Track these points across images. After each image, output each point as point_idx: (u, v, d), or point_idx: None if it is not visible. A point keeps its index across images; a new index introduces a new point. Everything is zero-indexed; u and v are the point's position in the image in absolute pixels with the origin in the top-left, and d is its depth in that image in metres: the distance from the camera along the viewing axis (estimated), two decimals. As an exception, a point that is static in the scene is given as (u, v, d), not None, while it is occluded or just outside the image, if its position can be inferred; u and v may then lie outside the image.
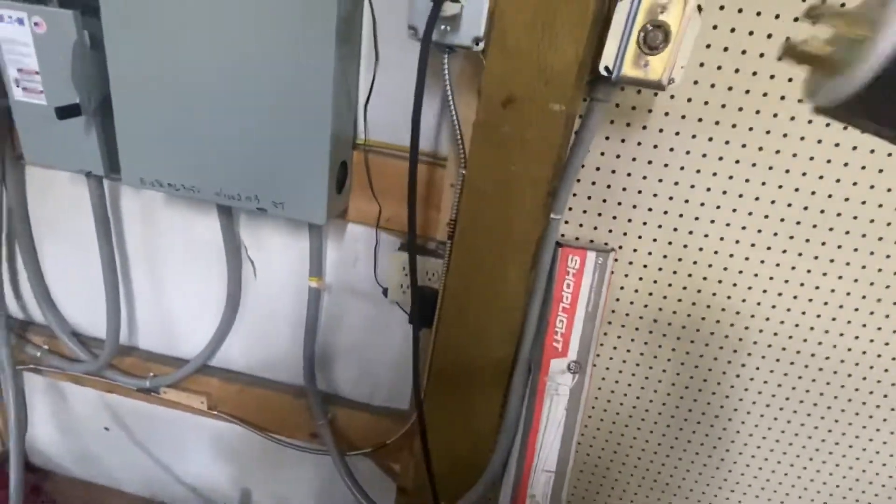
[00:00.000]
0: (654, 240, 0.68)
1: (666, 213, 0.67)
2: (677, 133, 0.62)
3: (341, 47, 0.59)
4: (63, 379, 1.03)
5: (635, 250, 0.69)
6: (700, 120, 0.61)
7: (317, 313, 0.83)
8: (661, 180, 0.65)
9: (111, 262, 0.84)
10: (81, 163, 0.71)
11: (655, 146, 0.63)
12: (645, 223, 0.68)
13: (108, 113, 0.66)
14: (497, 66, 0.53)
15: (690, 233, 0.67)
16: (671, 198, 0.66)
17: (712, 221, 0.66)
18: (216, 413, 0.98)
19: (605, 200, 0.67)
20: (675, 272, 0.70)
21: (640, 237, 0.69)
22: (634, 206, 0.67)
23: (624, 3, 0.48)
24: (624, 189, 0.66)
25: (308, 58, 0.58)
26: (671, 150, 0.63)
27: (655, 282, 0.71)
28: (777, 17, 0.55)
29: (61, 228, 0.89)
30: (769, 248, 0.66)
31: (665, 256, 0.69)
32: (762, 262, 0.67)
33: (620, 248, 0.69)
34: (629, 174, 0.65)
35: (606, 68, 0.51)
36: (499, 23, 0.51)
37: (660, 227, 0.68)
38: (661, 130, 0.62)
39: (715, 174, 0.63)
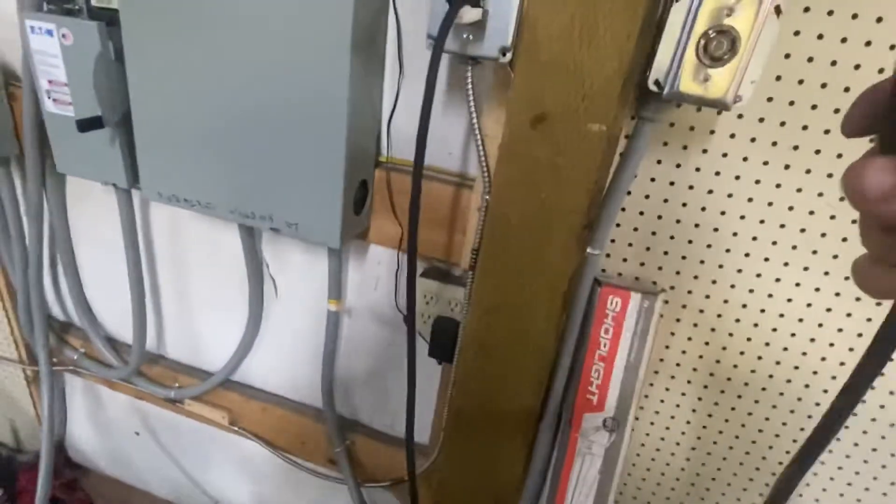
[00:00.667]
0: (714, 281, 0.58)
1: (728, 250, 0.57)
2: (745, 159, 0.52)
3: (359, 58, 0.54)
4: (98, 382, 1.06)
5: (690, 292, 0.60)
6: (774, 144, 0.51)
7: (335, 337, 0.79)
8: (723, 213, 0.55)
9: (138, 271, 0.84)
10: (107, 174, 0.71)
11: (717, 173, 0.54)
12: (702, 261, 0.58)
13: (130, 126, 0.65)
14: (526, 79, 0.47)
15: (758, 275, 0.57)
16: (735, 233, 0.56)
17: (786, 264, 0.55)
18: (236, 429, 0.96)
19: (654, 233, 0.58)
20: (737, 319, 0.59)
21: (695, 277, 0.59)
22: (690, 241, 0.57)
23: (681, 3, 0.39)
24: (678, 221, 0.57)
25: (322, 70, 0.53)
26: (737, 178, 0.53)
27: (713, 329, 0.60)
28: (879, 20, 0.45)
29: (97, 236, 0.90)
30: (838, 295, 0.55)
31: (726, 301, 0.59)
32: (842, 314, 0.56)
33: (672, 288, 0.60)
34: (684, 204, 0.56)
35: (657, 83, 0.43)
36: (529, 30, 0.45)
37: (721, 266, 0.57)
38: (724, 155, 0.53)
39: (791, 208, 0.53)
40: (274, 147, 0.59)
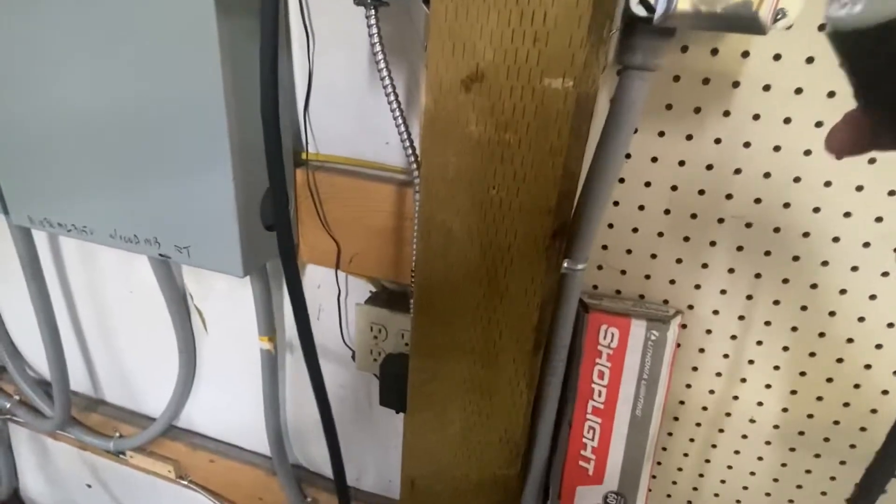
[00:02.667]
0: (749, 296, 0.42)
1: (769, 253, 0.40)
2: (787, 120, 0.36)
3: (236, 25, 0.39)
4: (37, 431, 0.93)
5: (716, 312, 0.43)
6: (832, 94, 0.34)
7: (274, 379, 0.64)
8: (758, 200, 0.39)
9: (46, 307, 0.71)
10: (-26, 199, 0.57)
11: (747, 144, 0.37)
12: (731, 270, 0.41)
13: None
14: (449, 21, 0.31)
15: (814, 286, 0.40)
16: (777, 229, 0.39)
17: (854, 268, 0.39)
18: (185, 483, 0.82)
19: (661, 234, 0.42)
20: (785, 348, 0.43)
21: (723, 292, 0.42)
22: (713, 244, 0.41)
23: None
24: (693, 216, 0.41)
25: (188, 50, 0.39)
26: (776, 149, 0.37)
27: (752, 362, 0.44)
28: None
29: (8, 270, 0.77)
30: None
31: (768, 323, 0.42)
32: (953, 336, 0.39)
33: (691, 308, 0.44)
34: (702, 192, 0.40)
35: (645, 3, 0.27)
36: (444, -60, 0.29)
37: (758, 276, 0.41)
38: (756, 117, 0.36)
39: (861, 188, 0.36)
40: (150, 154, 0.45)
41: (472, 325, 0.39)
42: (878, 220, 0.37)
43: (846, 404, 0.43)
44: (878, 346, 0.40)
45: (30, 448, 1.02)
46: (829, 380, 0.42)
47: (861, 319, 0.40)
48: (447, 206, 0.36)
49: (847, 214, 0.37)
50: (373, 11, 0.33)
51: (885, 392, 0.41)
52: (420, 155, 0.36)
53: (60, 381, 0.77)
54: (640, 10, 0.27)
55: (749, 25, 0.25)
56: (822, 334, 0.41)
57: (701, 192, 0.40)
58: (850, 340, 0.41)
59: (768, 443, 0.46)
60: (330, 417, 0.47)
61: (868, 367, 0.41)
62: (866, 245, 0.38)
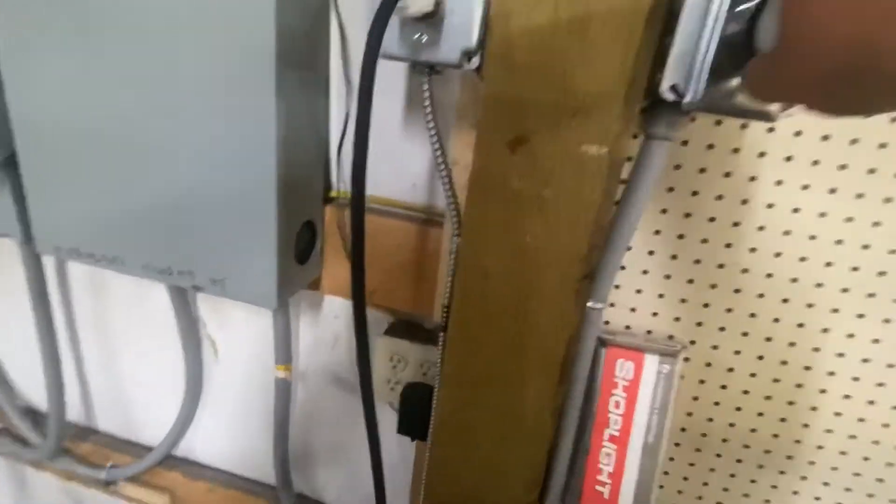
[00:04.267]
0: (745, 333, 0.47)
1: (762, 295, 0.45)
2: (779, 182, 0.42)
3: (290, 74, 0.42)
4: (20, 462, 0.90)
5: (716, 347, 0.48)
6: (815, 163, 0.40)
7: (286, 408, 0.65)
8: (753, 249, 0.44)
9: (50, 332, 0.70)
10: (-4, 225, 0.58)
11: (745, 201, 0.43)
12: (729, 309, 0.47)
13: (17, 166, 0.52)
14: (500, 90, 0.35)
15: (800, 325, 0.45)
16: (770, 275, 0.45)
17: (835, 310, 0.44)
18: (180, 515, 0.81)
19: (668, 277, 0.47)
20: (776, 380, 0.48)
21: (721, 329, 0.47)
22: (713, 286, 0.46)
23: (702, -17, 0.29)
24: (697, 262, 0.46)
25: (242, 90, 0.42)
26: (769, 206, 0.43)
27: (746, 392, 0.49)
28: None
29: (3, 290, 0.76)
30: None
31: (761, 357, 0.47)
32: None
33: (693, 343, 0.48)
34: (705, 240, 0.45)
35: (674, 88, 0.32)
36: (501, 26, 0.34)
37: (752, 315, 0.46)
38: (752, 179, 0.42)
39: (840, 242, 0.42)
40: (190, 187, 0.47)
41: (503, 358, 0.43)
42: (855, 269, 0.43)
43: (828, 430, 0.48)
44: (807, 368, 0.46)
45: (6, 482, 0.97)
46: (814, 408, 0.48)
47: (792, 344, 0.45)
48: (485, 251, 0.40)
49: (828, 264, 0.43)
50: (427, 79, 0.37)
51: (813, 409, 0.47)
52: (464, 204, 0.40)
53: (57, 410, 0.75)
54: (670, 96, 0.32)
55: (762, 116, 0.30)
56: (807, 367, 0.46)
57: (704, 241, 0.45)
58: (831, 373, 0.46)
59: (761, 466, 0.51)
60: (378, 457, 0.48)
61: (799, 385, 0.46)
62: (844, 290, 0.43)
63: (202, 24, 0.41)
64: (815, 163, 0.40)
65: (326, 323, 0.63)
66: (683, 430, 0.52)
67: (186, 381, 0.70)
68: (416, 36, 0.34)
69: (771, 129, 0.40)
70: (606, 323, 0.50)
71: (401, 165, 0.53)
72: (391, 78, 0.48)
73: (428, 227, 0.54)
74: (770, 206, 0.42)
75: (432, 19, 0.33)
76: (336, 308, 0.62)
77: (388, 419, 0.62)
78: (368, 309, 0.60)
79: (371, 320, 0.61)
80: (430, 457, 0.50)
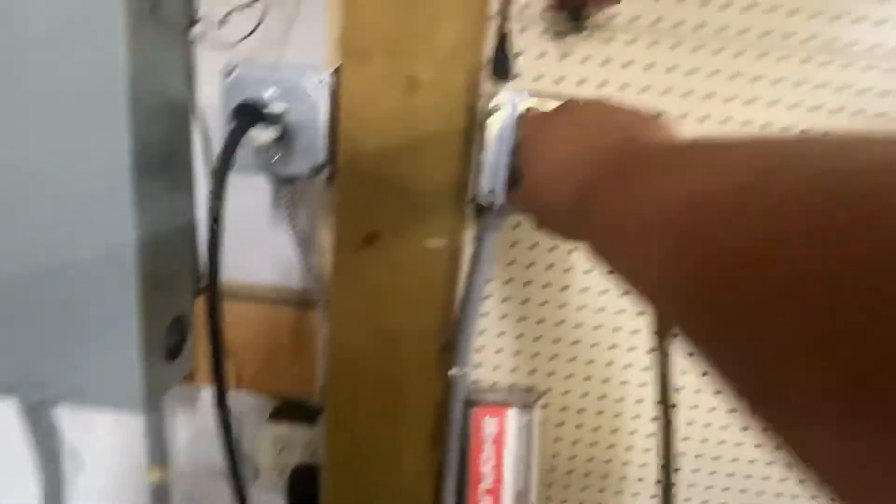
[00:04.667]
0: (587, 378, 0.55)
1: (595, 345, 0.54)
2: (567, 270, 0.51)
3: (151, 181, 0.44)
4: None
5: (567, 392, 0.55)
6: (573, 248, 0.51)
7: (165, 514, 0.61)
8: (581, 307, 0.53)
9: None
10: None
11: (567, 269, 0.52)
12: (572, 359, 0.54)
13: None
14: (350, 197, 0.41)
15: (626, 367, 0.54)
16: (597, 327, 0.53)
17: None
18: None
19: (520, 336, 0.54)
20: (617, 414, 0.56)
21: (569, 376, 0.55)
22: (557, 341, 0.54)
23: (497, 116, 0.37)
24: (541, 321, 0.53)
25: (101, 199, 0.42)
26: (586, 272, 0.52)
27: (597, 428, 0.56)
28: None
29: None
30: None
31: (603, 397, 0.55)
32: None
33: (549, 390, 0.55)
34: (544, 303, 0.53)
35: (489, 195, 0.39)
36: (346, 144, 0.39)
37: (591, 361, 0.54)
38: (571, 251, 0.51)
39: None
40: (39, 289, 0.45)
41: (379, 434, 0.46)
42: (619, 312, 0.53)
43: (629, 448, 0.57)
44: (639, 401, 0.55)
45: None
46: (615, 430, 0.56)
47: (623, 383, 0.55)
48: (353, 335, 0.44)
49: (617, 328, 0.53)
50: (284, 187, 0.42)
51: (650, 436, 0.56)
52: (329, 294, 0.44)
53: None
54: (486, 199, 0.39)
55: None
56: (603, 396, 0.55)
57: (543, 304, 0.53)
58: (620, 399, 0.55)
59: (618, 492, 0.59)
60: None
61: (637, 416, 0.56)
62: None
63: (60, 133, 0.41)
64: (616, 235, 0.51)
65: (207, 416, 0.62)
66: (552, 470, 0.58)
67: (44, 498, 0.62)
68: (268, 154, 0.38)
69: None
70: (476, 383, 0.56)
71: (275, 252, 0.56)
72: (260, 179, 0.52)
73: (305, 309, 0.56)
74: (586, 271, 0.52)
75: (282, 140, 0.38)
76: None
77: (278, 507, 0.61)
78: (250, 394, 0.60)
79: (254, 406, 0.61)
80: (319, 541, 0.50)
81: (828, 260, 0.11)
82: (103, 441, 0.63)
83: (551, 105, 0.34)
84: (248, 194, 0.53)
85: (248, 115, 0.33)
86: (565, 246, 0.51)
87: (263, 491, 0.63)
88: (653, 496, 0.59)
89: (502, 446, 0.50)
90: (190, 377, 0.57)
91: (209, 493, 0.64)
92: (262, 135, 0.33)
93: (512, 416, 0.50)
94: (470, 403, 0.51)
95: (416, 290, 0.42)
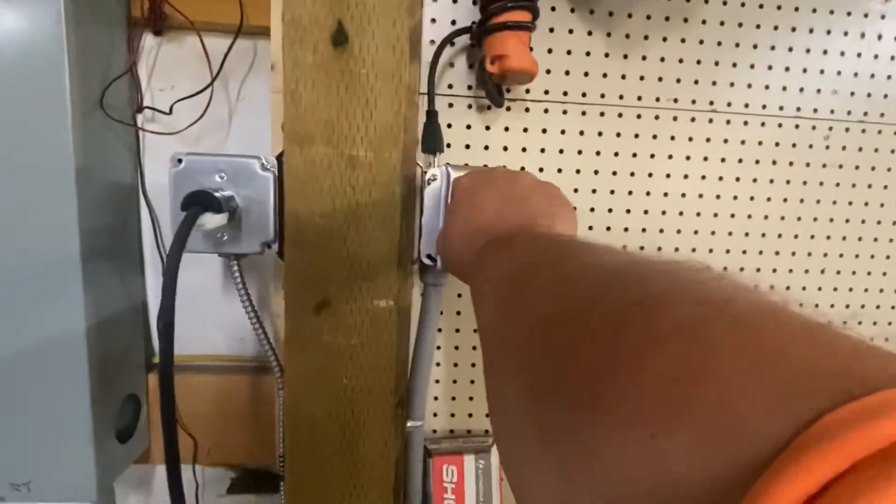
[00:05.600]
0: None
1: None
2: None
3: (99, 266, 0.45)
4: None
5: (520, 432, 0.58)
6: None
7: None
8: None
9: None
10: None
11: (512, 315, 0.56)
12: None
13: None
14: (299, 269, 0.43)
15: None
16: (543, 366, 0.57)
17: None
18: None
19: (472, 381, 0.57)
20: (569, 448, 0.59)
21: (521, 416, 0.58)
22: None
23: (434, 185, 0.41)
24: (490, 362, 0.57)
25: (51, 286, 0.43)
26: (530, 315, 0.56)
27: (551, 464, 0.59)
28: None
29: None
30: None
31: (554, 433, 0.59)
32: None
33: (503, 432, 0.58)
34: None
35: (429, 256, 0.43)
36: (291, 221, 0.42)
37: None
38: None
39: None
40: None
41: (341, 494, 0.47)
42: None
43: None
44: None
45: None
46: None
47: None
48: (309, 398, 0.45)
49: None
50: (235, 262, 0.44)
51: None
52: (283, 360, 0.45)
53: None
54: (427, 261, 0.43)
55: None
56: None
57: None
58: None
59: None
60: None
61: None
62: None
63: (7, 220, 0.41)
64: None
65: (163, 494, 0.60)
66: (514, 510, 0.60)
67: None
68: (218, 235, 0.40)
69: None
70: (434, 432, 0.58)
71: (226, 323, 0.57)
72: (209, 258, 0.53)
73: (260, 376, 0.57)
74: (529, 316, 0.56)
75: (232, 221, 0.40)
76: (171, 476, 0.60)
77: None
78: (207, 469, 0.59)
79: (213, 478, 0.60)
80: None
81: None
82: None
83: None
84: (198, 267, 0.54)
85: (198, 203, 0.35)
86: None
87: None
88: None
89: (462, 492, 0.52)
90: (144, 457, 0.56)
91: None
92: (212, 220, 0.36)
93: (469, 462, 0.52)
94: (428, 453, 0.52)
95: (368, 349, 0.45)
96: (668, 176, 0.55)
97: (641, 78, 0.53)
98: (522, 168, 0.52)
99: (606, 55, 0.52)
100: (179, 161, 0.39)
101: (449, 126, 0.51)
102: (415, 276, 0.51)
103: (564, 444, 0.15)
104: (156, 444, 0.56)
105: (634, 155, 0.54)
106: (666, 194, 0.55)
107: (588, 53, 0.52)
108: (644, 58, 0.52)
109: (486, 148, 0.52)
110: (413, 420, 0.49)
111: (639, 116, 0.54)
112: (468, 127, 0.52)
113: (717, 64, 0.53)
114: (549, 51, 0.51)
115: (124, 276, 0.51)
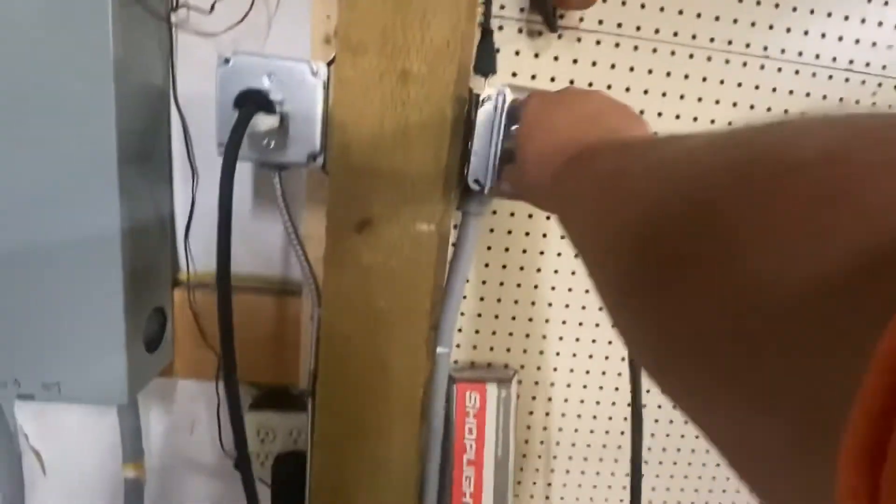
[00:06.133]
0: (557, 353, 0.59)
1: (565, 322, 0.58)
2: (562, 237, 0.55)
3: (133, 170, 0.44)
4: None
5: (539, 368, 0.60)
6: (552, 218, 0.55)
7: (140, 510, 0.60)
8: (553, 288, 0.57)
9: None
10: None
11: (542, 252, 0.56)
12: (544, 336, 0.59)
13: None
14: (344, 184, 0.42)
15: (593, 341, 0.59)
16: (567, 305, 0.58)
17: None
18: None
19: (497, 316, 0.58)
20: (585, 385, 0.61)
21: (541, 352, 0.59)
22: (531, 320, 0.58)
23: (487, 106, 0.40)
24: (516, 301, 0.57)
25: (86, 189, 0.42)
26: (559, 255, 0.56)
27: (566, 400, 0.61)
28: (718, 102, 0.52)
29: None
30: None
31: (572, 370, 0.60)
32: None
33: (523, 367, 0.59)
34: (519, 285, 0.57)
35: (477, 181, 0.42)
36: (339, 134, 0.41)
37: (561, 338, 0.59)
38: (544, 236, 0.55)
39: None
40: (17, 282, 0.43)
41: (369, 413, 0.48)
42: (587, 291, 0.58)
43: (594, 417, 0.62)
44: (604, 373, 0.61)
45: None
46: (582, 401, 0.62)
47: (591, 357, 0.60)
48: (345, 318, 0.46)
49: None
50: (277, 175, 0.42)
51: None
52: (321, 279, 0.45)
53: None
54: (474, 186, 0.42)
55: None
56: (572, 370, 0.61)
57: (518, 286, 0.57)
58: (587, 372, 0.61)
59: (585, 459, 0.64)
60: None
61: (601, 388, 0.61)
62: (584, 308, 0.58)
63: (46, 122, 0.40)
64: (583, 221, 0.55)
65: (182, 408, 0.61)
66: (526, 441, 0.62)
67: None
68: (265, 142, 0.39)
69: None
70: (455, 363, 0.59)
71: (254, 243, 0.56)
72: (239, 168, 0.52)
73: (285, 298, 0.57)
74: (559, 254, 0.56)
75: (278, 129, 0.39)
76: (193, 391, 0.60)
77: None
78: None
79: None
80: (308, 521, 0.52)
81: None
82: (68, 442, 0.60)
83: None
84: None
85: (251, 102, 0.34)
86: (538, 232, 0.55)
87: (236, 482, 0.63)
88: (627, 473, 0.64)
89: (484, 418, 0.53)
90: (167, 371, 0.57)
91: (186, 485, 0.63)
92: (264, 122, 0.34)
93: (491, 392, 0.54)
94: (452, 380, 0.54)
95: (407, 272, 0.44)
96: (712, 121, 0.54)
97: (698, 15, 0.51)
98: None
99: (666, -14, 0.50)
100: (227, 60, 0.37)
101: (497, 51, 0.49)
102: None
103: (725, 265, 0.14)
104: (179, 359, 0.56)
105: (682, 97, 0.53)
106: (708, 140, 0.54)
107: (647, -17, 0.49)
108: (704, -8, 0.50)
109: (533, 77, 0.51)
110: (442, 346, 0.50)
111: (691, 56, 0.52)
112: (517, 53, 0.50)
113: (777, 6, 0.51)
114: (608, -23, 0.49)
115: (154, 186, 0.49)
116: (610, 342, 0.59)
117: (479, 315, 0.57)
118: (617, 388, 0.61)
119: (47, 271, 0.43)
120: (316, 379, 0.48)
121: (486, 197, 0.46)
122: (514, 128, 0.39)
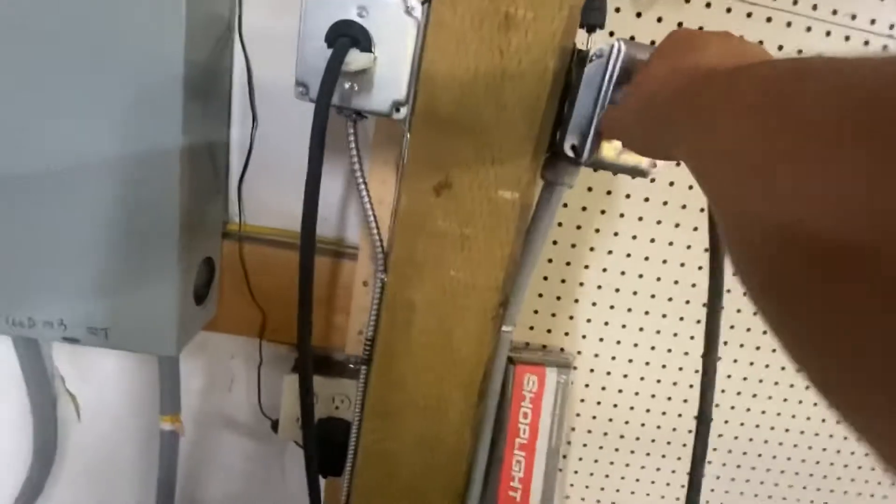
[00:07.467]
0: (619, 342, 0.56)
1: (630, 310, 0.55)
2: (640, 218, 0.51)
3: (195, 108, 0.40)
4: None
5: (597, 355, 0.56)
6: (665, 203, 0.51)
7: (173, 463, 0.59)
8: (623, 273, 0.53)
9: None
10: None
11: (616, 234, 0.52)
12: (606, 322, 0.55)
13: None
14: (427, 140, 0.38)
15: (658, 332, 0.56)
16: (635, 293, 0.54)
17: (682, 318, 0.55)
18: None
19: (559, 298, 0.54)
20: (642, 378, 0.58)
21: (601, 339, 0.56)
22: (594, 304, 0.54)
23: (597, 63, 0.35)
24: (581, 284, 0.54)
25: (148, 124, 0.38)
26: (633, 237, 0.52)
27: (621, 390, 0.58)
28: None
29: None
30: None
31: (631, 360, 0.57)
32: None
33: (579, 353, 0.56)
34: (587, 266, 0.53)
35: (573, 147, 0.38)
36: (428, 84, 0.37)
37: (624, 326, 0.55)
38: (622, 216, 0.51)
39: (683, 265, 0.53)
40: (70, 221, 0.41)
41: (426, 385, 0.45)
42: (658, 279, 0.54)
43: (648, 410, 0.59)
44: (664, 367, 0.57)
45: None
46: (637, 393, 0.59)
47: (653, 348, 0.57)
48: (413, 285, 0.42)
49: (676, 282, 0.54)
50: (352, 124, 0.39)
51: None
52: (390, 242, 0.42)
53: None
54: (570, 153, 0.38)
55: (639, 172, 0.38)
56: (630, 360, 0.57)
57: (586, 267, 0.53)
58: (647, 363, 0.57)
59: (632, 452, 0.61)
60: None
61: (659, 381, 0.58)
62: (653, 297, 0.55)
63: (110, 55, 0.36)
64: (665, 203, 0.51)
65: (220, 364, 0.59)
66: (573, 429, 0.59)
67: (35, 450, 0.59)
68: (348, 85, 0.35)
69: (652, 180, 0.50)
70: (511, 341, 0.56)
71: (309, 199, 0.53)
72: (301, 115, 0.48)
73: (338, 261, 0.54)
74: (634, 237, 0.52)
75: (365, 73, 0.35)
76: (232, 347, 0.58)
77: (294, 459, 0.60)
78: (270, 346, 0.58)
79: (273, 357, 0.59)
80: (349, 491, 0.50)
81: None
82: (105, 389, 0.59)
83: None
84: (289, 131, 0.50)
85: (346, 35, 0.30)
86: (614, 211, 0.51)
87: (271, 444, 0.62)
88: (679, 458, 0.62)
89: (540, 403, 0.50)
90: (211, 325, 0.55)
91: (221, 443, 0.62)
92: (359, 60, 0.31)
93: (551, 376, 0.51)
94: (511, 360, 0.51)
95: (483, 242, 0.41)
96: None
97: (823, -18, 0.45)
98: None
99: (794, -54, 0.44)
100: (315, -12, 0.33)
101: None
102: (531, 174, 0.46)
103: None
104: (222, 313, 0.54)
105: (792, 73, 0.48)
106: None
107: (774, -60, 0.44)
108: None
109: (632, 38, 0.46)
110: (507, 325, 0.47)
111: (788, 24, 0.47)
112: (617, 10, 0.45)
113: (913, -23, 0.45)
114: (731, -71, 0.43)
115: (213, 127, 0.46)
116: (675, 334, 0.56)
117: (541, 295, 0.54)
118: (675, 383, 0.58)
119: (101, 211, 0.40)
120: (373, 346, 0.45)
121: (575, 167, 0.41)
122: (624, 89, 0.35)
